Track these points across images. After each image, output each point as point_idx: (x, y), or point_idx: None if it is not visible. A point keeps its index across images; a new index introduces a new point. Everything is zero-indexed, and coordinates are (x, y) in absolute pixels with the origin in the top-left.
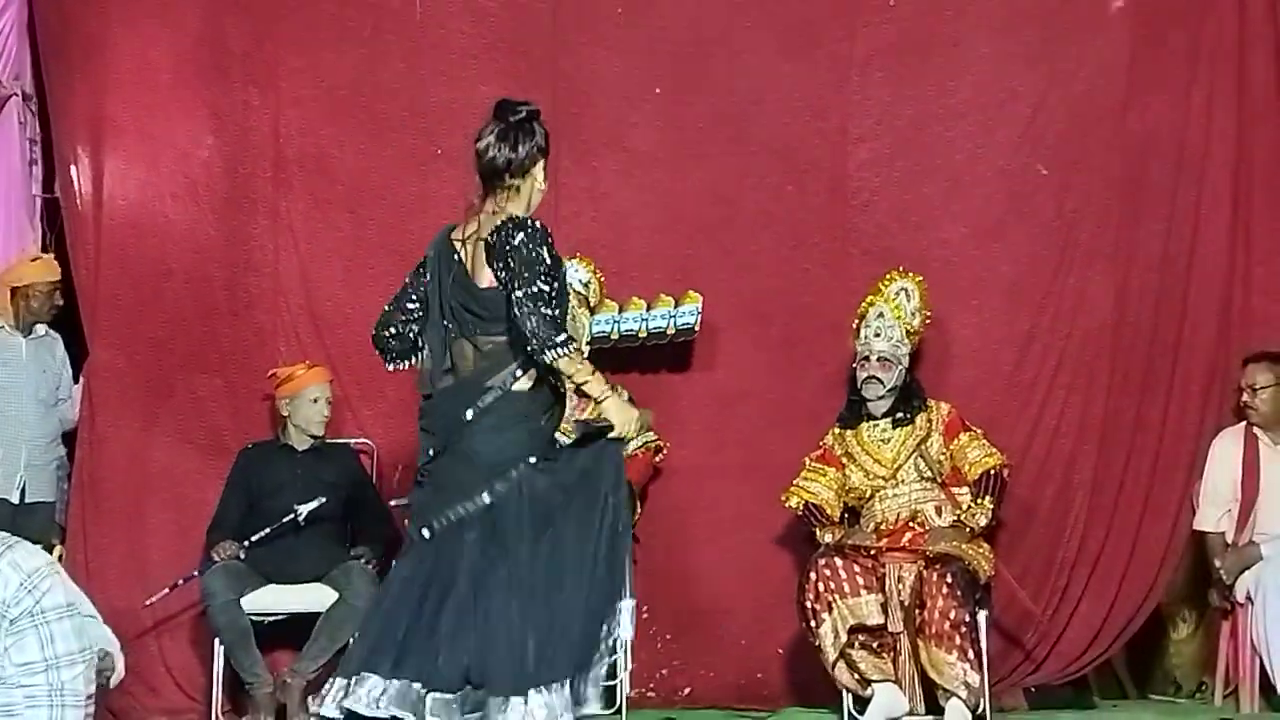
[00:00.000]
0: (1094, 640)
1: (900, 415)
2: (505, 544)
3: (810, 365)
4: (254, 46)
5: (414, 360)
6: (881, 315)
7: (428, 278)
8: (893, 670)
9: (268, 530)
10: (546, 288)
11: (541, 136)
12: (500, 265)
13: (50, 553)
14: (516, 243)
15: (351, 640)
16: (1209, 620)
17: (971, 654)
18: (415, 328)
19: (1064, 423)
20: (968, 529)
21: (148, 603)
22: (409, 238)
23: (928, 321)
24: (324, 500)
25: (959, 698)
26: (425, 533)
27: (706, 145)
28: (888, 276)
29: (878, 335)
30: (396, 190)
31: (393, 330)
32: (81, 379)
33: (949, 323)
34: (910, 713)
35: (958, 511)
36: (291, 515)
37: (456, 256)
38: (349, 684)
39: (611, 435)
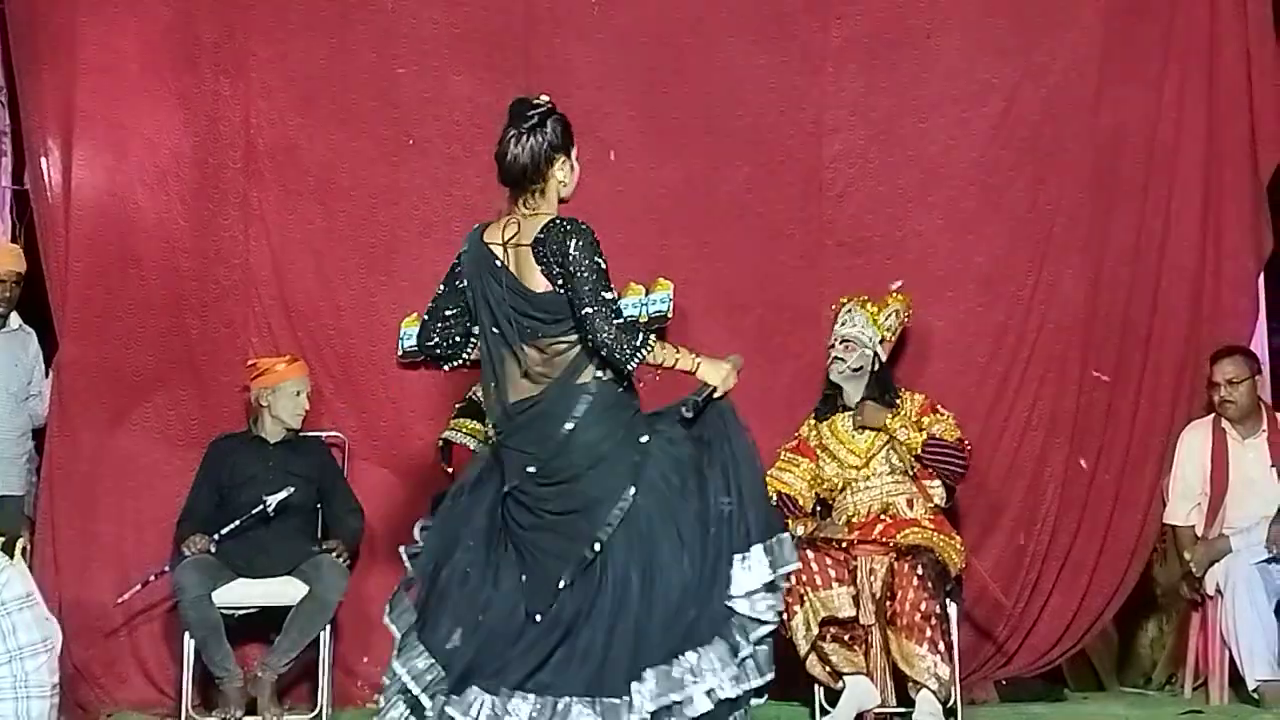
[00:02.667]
0: (1065, 633)
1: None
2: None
3: (785, 356)
4: (224, 36)
5: (465, 356)
6: (850, 311)
7: (464, 283)
8: (864, 663)
9: (237, 522)
10: (610, 295)
11: (555, 133)
12: (557, 272)
13: (14, 546)
14: (573, 252)
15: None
16: (1180, 613)
17: (942, 646)
18: (456, 331)
19: (1035, 415)
20: (891, 412)
21: (119, 601)
22: (380, 229)
23: (903, 327)
24: (293, 490)
25: (929, 689)
26: (563, 582)
27: (680, 136)
28: (882, 300)
29: (843, 325)
30: (368, 181)
31: (435, 339)
32: (51, 372)
33: (923, 314)
34: (881, 705)
35: (929, 501)
36: (261, 507)
37: (499, 263)
38: None
39: (717, 396)
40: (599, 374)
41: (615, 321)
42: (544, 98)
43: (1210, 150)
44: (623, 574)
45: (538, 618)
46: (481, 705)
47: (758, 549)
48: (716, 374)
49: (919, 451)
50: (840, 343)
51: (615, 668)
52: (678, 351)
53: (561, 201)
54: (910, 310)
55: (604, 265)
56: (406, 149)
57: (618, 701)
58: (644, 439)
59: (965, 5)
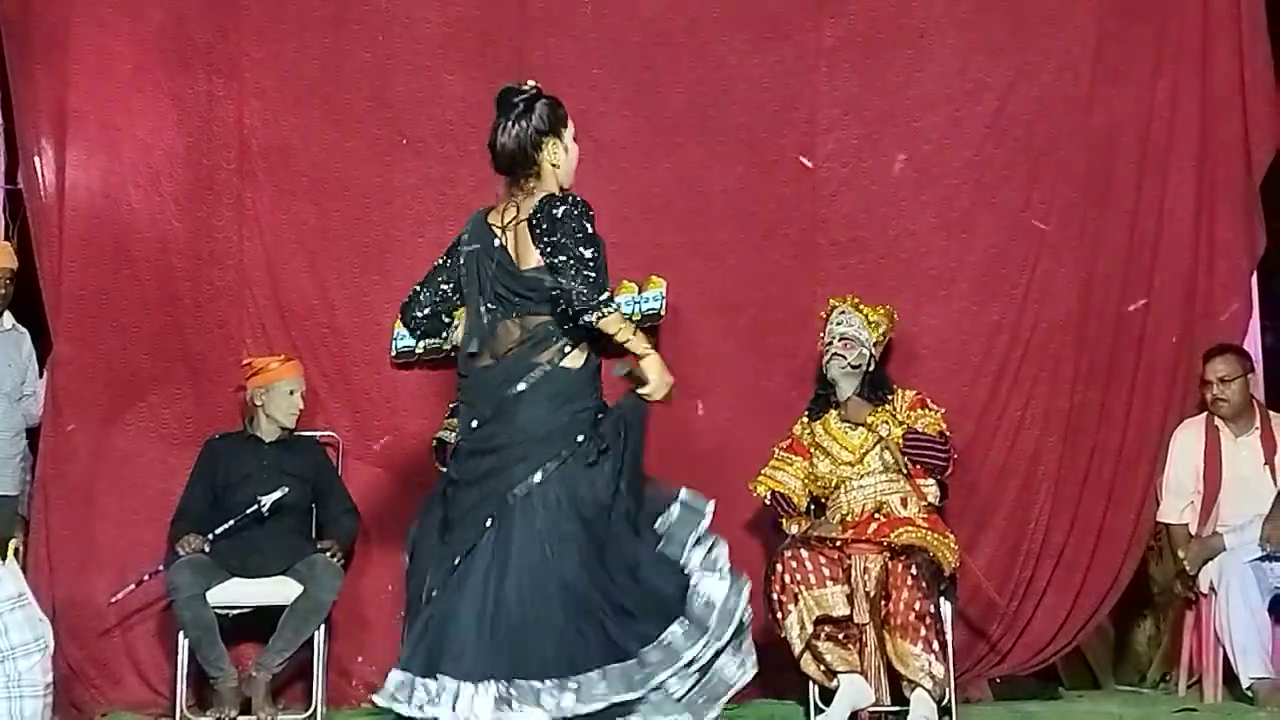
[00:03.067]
0: (1059, 631)
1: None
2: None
3: (779, 355)
4: (217, 37)
5: (440, 338)
6: (844, 313)
7: (462, 261)
8: (859, 661)
9: (232, 522)
10: (589, 254)
11: (542, 117)
12: (545, 236)
13: (7, 546)
14: (559, 214)
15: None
16: (1174, 611)
17: (936, 645)
18: (445, 309)
19: (1029, 413)
20: (874, 407)
21: (112, 600)
22: (374, 228)
23: (888, 338)
24: (287, 490)
25: (924, 688)
26: (488, 522)
27: (674, 135)
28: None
29: (839, 324)
30: (361, 180)
31: (425, 311)
32: (45, 371)
33: (917, 313)
34: (876, 704)
35: (924, 500)
36: (255, 506)
37: (498, 242)
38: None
39: (642, 391)
40: (566, 353)
41: (587, 274)
42: (530, 83)
43: (1203, 149)
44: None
45: (457, 561)
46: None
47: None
48: (657, 374)
49: (901, 445)
50: (840, 340)
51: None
52: (636, 333)
53: (562, 188)
54: (896, 323)
55: (591, 230)
56: (400, 148)
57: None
58: (580, 439)
59: (958, 4)
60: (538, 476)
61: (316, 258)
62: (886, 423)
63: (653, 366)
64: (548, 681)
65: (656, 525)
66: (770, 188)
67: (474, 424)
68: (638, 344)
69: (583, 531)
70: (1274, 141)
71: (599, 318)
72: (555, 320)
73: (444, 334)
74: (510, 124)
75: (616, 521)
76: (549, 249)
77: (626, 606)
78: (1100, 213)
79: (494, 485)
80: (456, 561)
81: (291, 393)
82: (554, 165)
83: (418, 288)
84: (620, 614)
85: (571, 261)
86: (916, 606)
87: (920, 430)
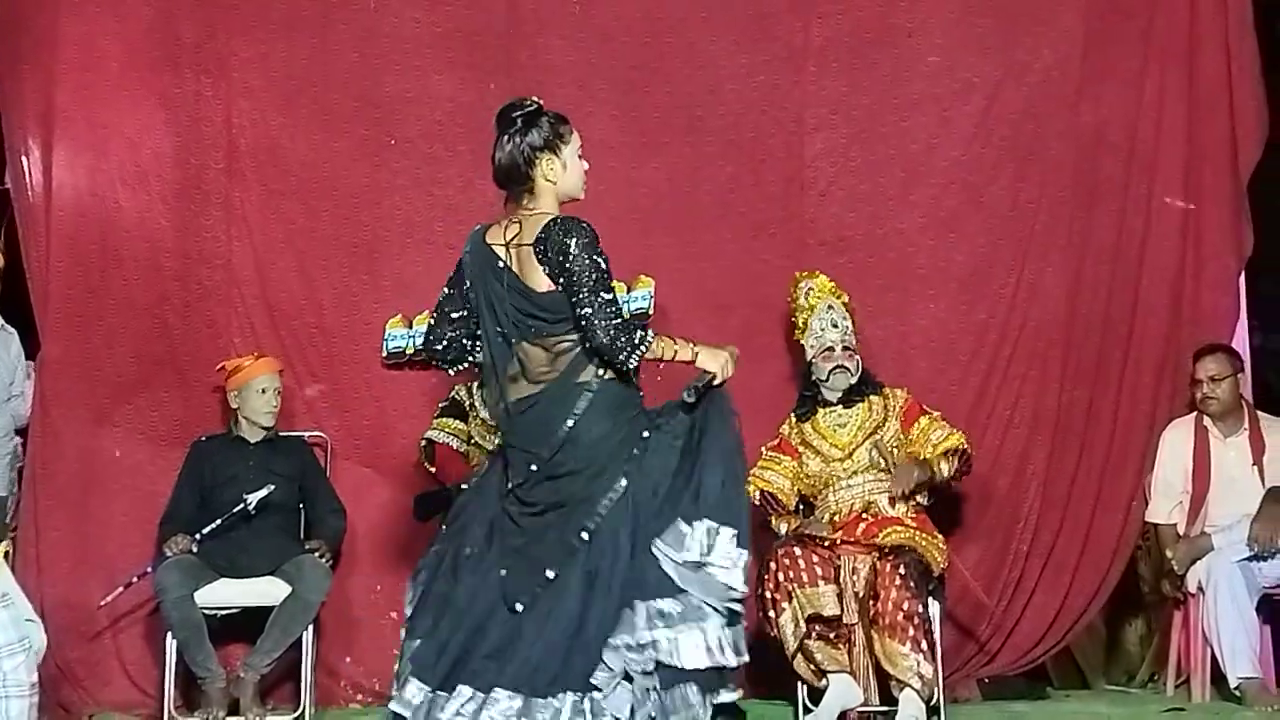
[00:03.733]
0: (1048, 631)
1: (853, 395)
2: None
3: (768, 355)
4: (205, 36)
5: (471, 359)
6: (831, 308)
7: (468, 284)
8: (848, 661)
9: (219, 521)
10: (609, 295)
11: (537, 134)
12: (557, 272)
13: None
14: (573, 251)
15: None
16: (1162, 611)
17: (925, 645)
18: (462, 333)
19: (1017, 413)
20: (930, 468)
21: (102, 603)
22: (362, 229)
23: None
24: (273, 488)
25: (912, 688)
26: (583, 535)
27: (663, 135)
28: (800, 282)
29: (834, 326)
30: (349, 181)
31: (444, 344)
32: (33, 372)
33: (905, 313)
34: (865, 704)
35: (926, 454)
36: (242, 505)
37: (501, 263)
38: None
39: (716, 383)
40: (600, 372)
41: (614, 321)
42: (531, 100)
43: (1191, 149)
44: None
45: (518, 607)
46: (466, 702)
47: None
48: (715, 361)
49: (947, 476)
50: (842, 349)
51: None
52: (675, 343)
53: (572, 199)
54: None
55: (604, 264)
56: (388, 149)
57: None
58: (645, 434)
59: (946, 4)
60: (622, 482)
61: (305, 257)
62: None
63: (707, 360)
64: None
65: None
66: (758, 187)
67: (533, 468)
68: (683, 352)
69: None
70: (1261, 141)
71: (640, 357)
72: (582, 340)
73: (470, 358)
74: (507, 140)
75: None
76: (564, 286)
77: None
78: (1088, 212)
79: (578, 504)
80: (550, 576)
81: (263, 391)
82: (550, 181)
83: (430, 321)
84: None
85: (598, 313)
86: (905, 606)
87: (949, 448)
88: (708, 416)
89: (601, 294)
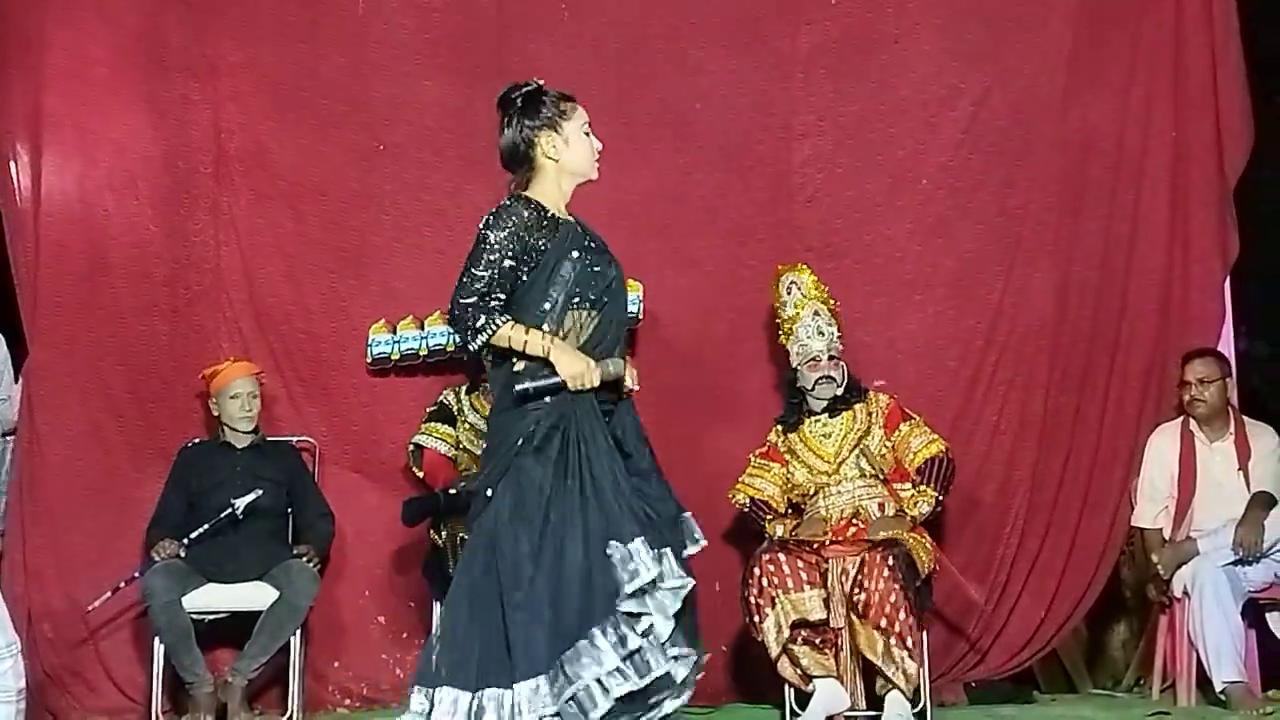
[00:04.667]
0: (1034, 635)
1: (838, 404)
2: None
3: (756, 362)
4: (193, 41)
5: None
6: (817, 314)
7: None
8: (835, 666)
9: (206, 526)
10: (477, 271)
11: (540, 110)
12: None
13: None
14: (480, 227)
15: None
16: (1149, 616)
17: (910, 641)
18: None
19: (1004, 419)
20: (909, 518)
21: (90, 608)
22: (351, 233)
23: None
24: (260, 493)
25: (898, 687)
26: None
27: (651, 142)
28: (782, 276)
29: (820, 334)
30: (338, 185)
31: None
32: (21, 378)
33: (892, 318)
34: (851, 709)
35: (899, 505)
36: (229, 510)
37: None
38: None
39: (580, 389)
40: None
41: (462, 298)
42: (534, 80)
43: (1177, 154)
44: None
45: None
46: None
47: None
48: (570, 367)
49: (925, 513)
50: (828, 358)
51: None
52: (527, 334)
53: (584, 179)
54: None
55: (491, 240)
56: (377, 154)
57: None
58: (520, 442)
59: (933, 10)
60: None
61: (293, 262)
62: (907, 521)
63: (560, 362)
64: None
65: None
66: (746, 193)
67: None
68: (534, 345)
69: None
70: (1247, 146)
71: (483, 344)
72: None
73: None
74: (507, 121)
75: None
76: None
77: None
78: (1075, 218)
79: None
80: None
81: (235, 396)
82: (552, 159)
83: None
84: None
85: (458, 283)
86: (892, 598)
87: (927, 457)
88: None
89: (471, 268)
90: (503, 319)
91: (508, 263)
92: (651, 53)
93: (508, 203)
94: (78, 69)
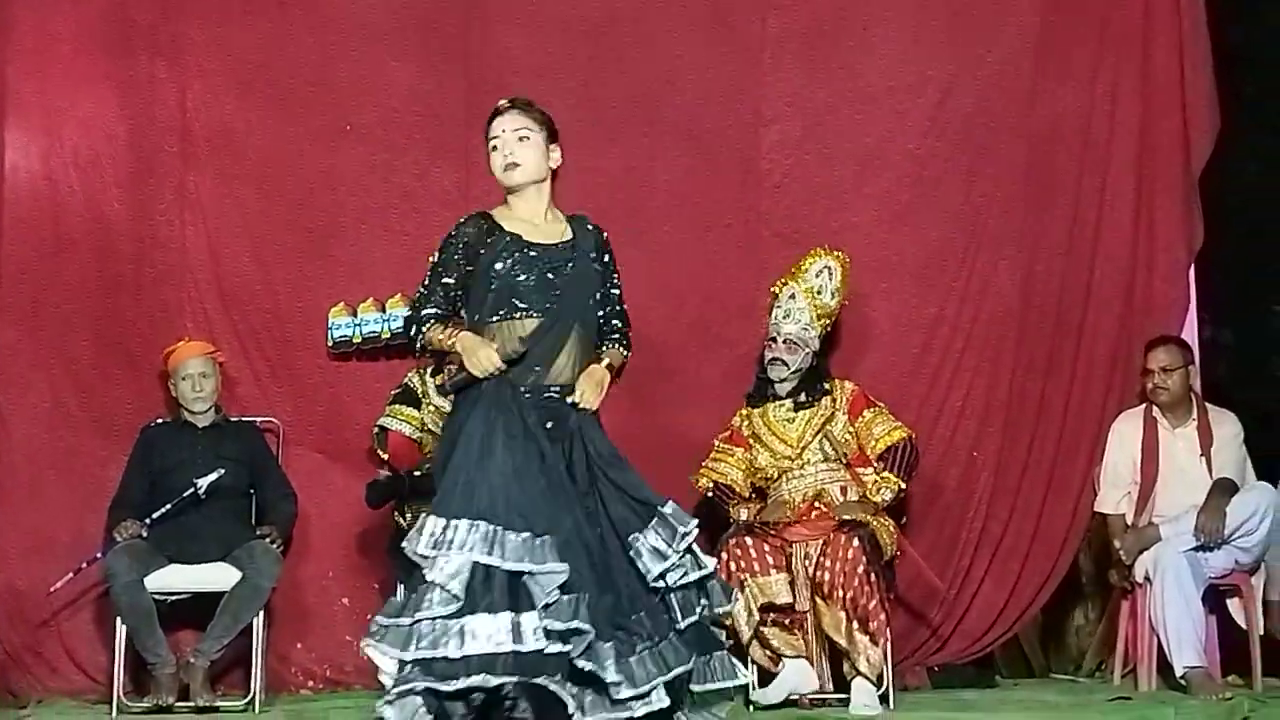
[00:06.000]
0: (997, 619)
1: (803, 399)
2: None
3: (722, 347)
4: (159, 19)
5: None
6: (794, 297)
7: None
8: (804, 647)
9: (169, 506)
10: (421, 285)
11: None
12: None
13: None
14: None
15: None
16: (1109, 600)
17: (873, 626)
18: None
19: (969, 404)
20: (872, 504)
21: (51, 590)
22: (317, 214)
23: (845, 304)
24: (223, 472)
25: (861, 673)
26: None
27: (619, 126)
28: (812, 253)
29: (787, 316)
30: (304, 166)
31: None
32: None
33: (858, 305)
34: (818, 690)
35: (862, 489)
36: (191, 490)
37: None
38: None
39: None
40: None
41: (409, 311)
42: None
43: (1143, 144)
44: None
45: None
46: None
47: None
48: (468, 355)
49: (889, 500)
50: (784, 342)
51: None
52: (443, 333)
53: (506, 188)
54: (846, 277)
55: (436, 259)
56: (344, 134)
57: None
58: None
59: None
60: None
61: (259, 242)
62: (871, 500)
63: (461, 352)
64: None
65: None
66: (714, 179)
67: None
68: (445, 342)
69: None
70: (1212, 136)
71: (420, 346)
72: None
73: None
74: None
75: None
76: None
77: None
78: (1041, 206)
79: None
80: None
81: (185, 377)
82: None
83: None
84: None
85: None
86: (855, 579)
87: (890, 444)
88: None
89: (420, 284)
90: (428, 324)
91: (446, 278)
92: (619, 36)
93: (461, 220)
94: (42, 46)
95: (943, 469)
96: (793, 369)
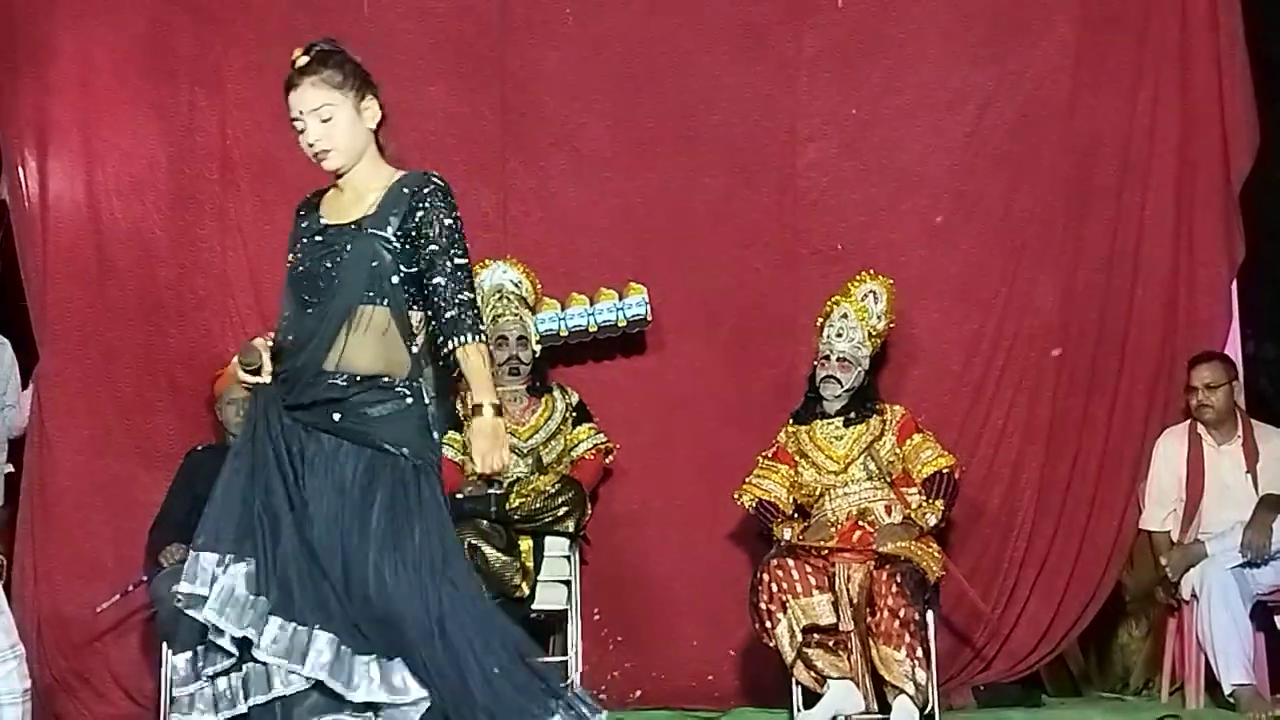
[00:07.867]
0: (1042, 638)
1: (853, 415)
2: None
3: (760, 365)
4: (200, 48)
5: None
6: (845, 316)
7: None
8: (849, 667)
9: None
10: None
11: None
12: None
13: None
14: None
15: None
16: (1156, 618)
17: (920, 652)
18: None
19: (1011, 423)
20: (917, 527)
21: (99, 609)
22: None
23: (893, 325)
24: None
25: (906, 694)
26: None
27: (656, 145)
28: (858, 277)
29: (840, 335)
30: None
31: None
32: (31, 384)
33: (898, 323)
34: (864, 711)
35: (908, 510)
36: None
37: None
38: None
39: None
40: None
41: None
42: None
43: (1183, 158)
44: None
45: None
46: None
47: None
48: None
49: (933, 525)
50: (837, 360)
51: None
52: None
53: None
54: (892, 300)
55: None
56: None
57: None
58: None
59: (939, 14)
60: None
61: None
62: (916, 530)
63: None
64: None
65: None
66: (751, 197)
67: None
68: None
69: None
70: (1252, 150)
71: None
72: None
73: None
74: None
75: None
76: None
77: None
78: (1081, 222)
79: None
80: None
81: (230, 402)
82: None
83: None
84: None
85: None
86: (901, 614)
87: (936, 469)
88: None
89: None
90: None
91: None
92: (655, 57)
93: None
94: (85, 76)
95: (986, 488)
96: (846, 386)
